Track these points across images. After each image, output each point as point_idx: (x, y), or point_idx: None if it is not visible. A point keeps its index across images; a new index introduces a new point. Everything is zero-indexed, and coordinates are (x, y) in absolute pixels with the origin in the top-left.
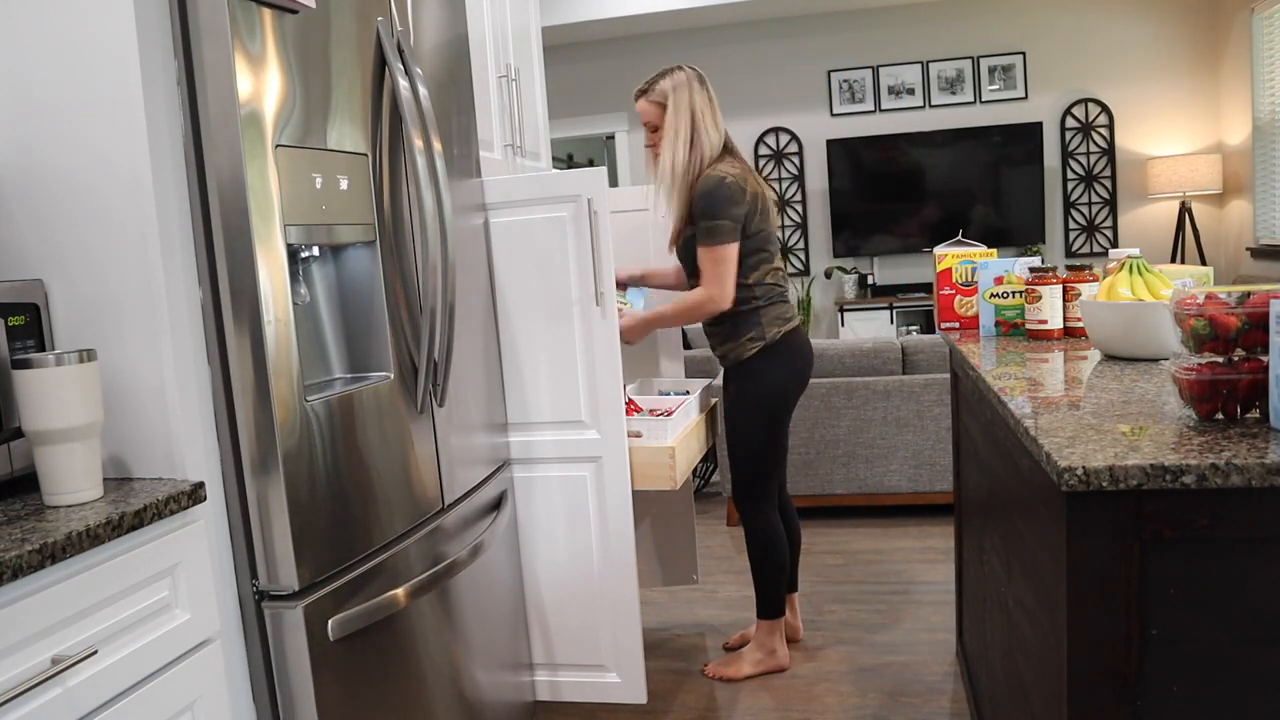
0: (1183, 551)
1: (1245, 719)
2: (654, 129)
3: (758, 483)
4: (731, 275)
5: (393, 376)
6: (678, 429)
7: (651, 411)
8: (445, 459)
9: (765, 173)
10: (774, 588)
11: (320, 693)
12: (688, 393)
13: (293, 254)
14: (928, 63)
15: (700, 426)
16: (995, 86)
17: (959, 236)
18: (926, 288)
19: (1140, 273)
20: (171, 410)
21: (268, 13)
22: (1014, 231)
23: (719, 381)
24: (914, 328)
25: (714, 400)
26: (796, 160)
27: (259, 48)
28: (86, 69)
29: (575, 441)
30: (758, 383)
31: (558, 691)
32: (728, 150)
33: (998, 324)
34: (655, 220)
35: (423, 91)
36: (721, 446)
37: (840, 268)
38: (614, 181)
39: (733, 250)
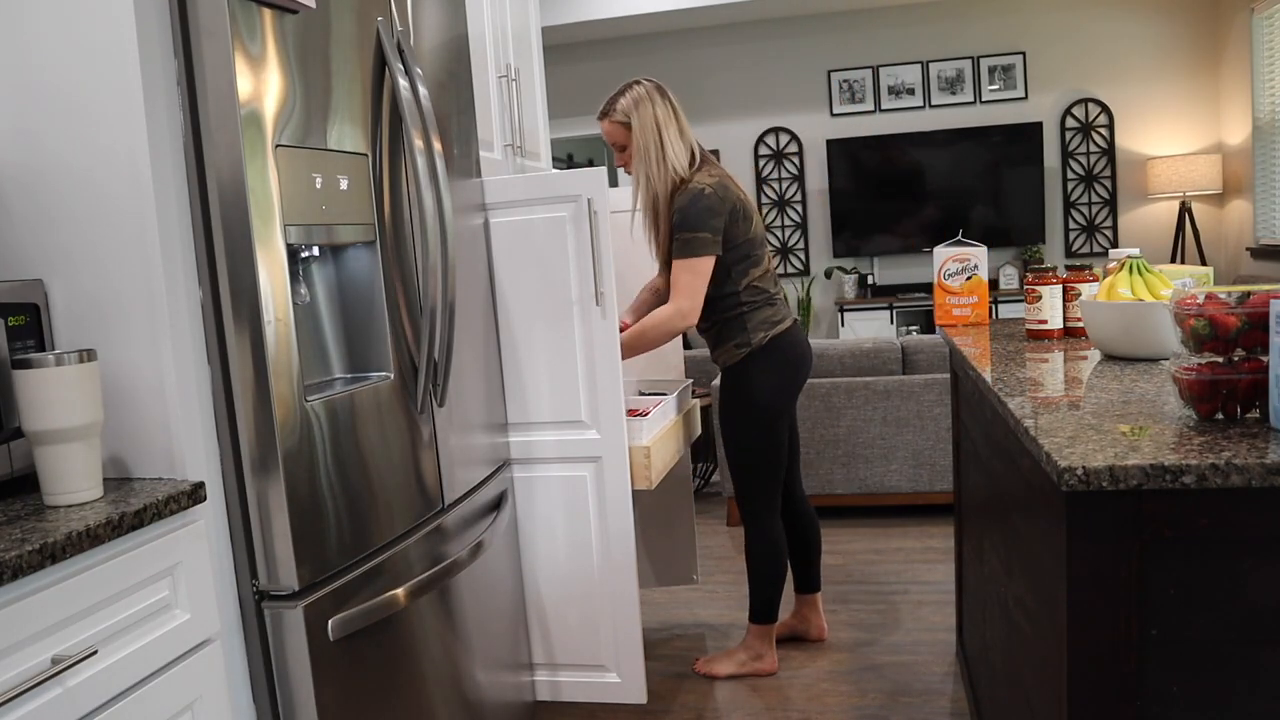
0: (1183, 551)
1: (1245, 719)
2: (621, 149)
3: (755, 488)
4: (703, 289)
5: (393, 376)
6: (654, 429)
7: (630, 412)
8: (445, 459)
9: (765, 173)
10: (768, 593)
11: (320, 693)
12: (664, 394)
13: (293, 254)
14: (928, 63)
15: (678, 427)
16: (995, 86)
17: (959, 236)
18: (926, 288)
19: (1140, 273)
20: (171, 410)
21: (268, 13)
22: (1014, 231)
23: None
24: (914, 328)
25: (695, 401)
26: (796, 160)
27: (259, 48)
28: (86, 69)
29: (575, 441)
30: (745, 389)
31: (558, 691)
32: (699, 157)
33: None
34: (634, 237)
35: (423, 91)
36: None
37: (840, 268)
38: (614, 181)
39: (708, 263)
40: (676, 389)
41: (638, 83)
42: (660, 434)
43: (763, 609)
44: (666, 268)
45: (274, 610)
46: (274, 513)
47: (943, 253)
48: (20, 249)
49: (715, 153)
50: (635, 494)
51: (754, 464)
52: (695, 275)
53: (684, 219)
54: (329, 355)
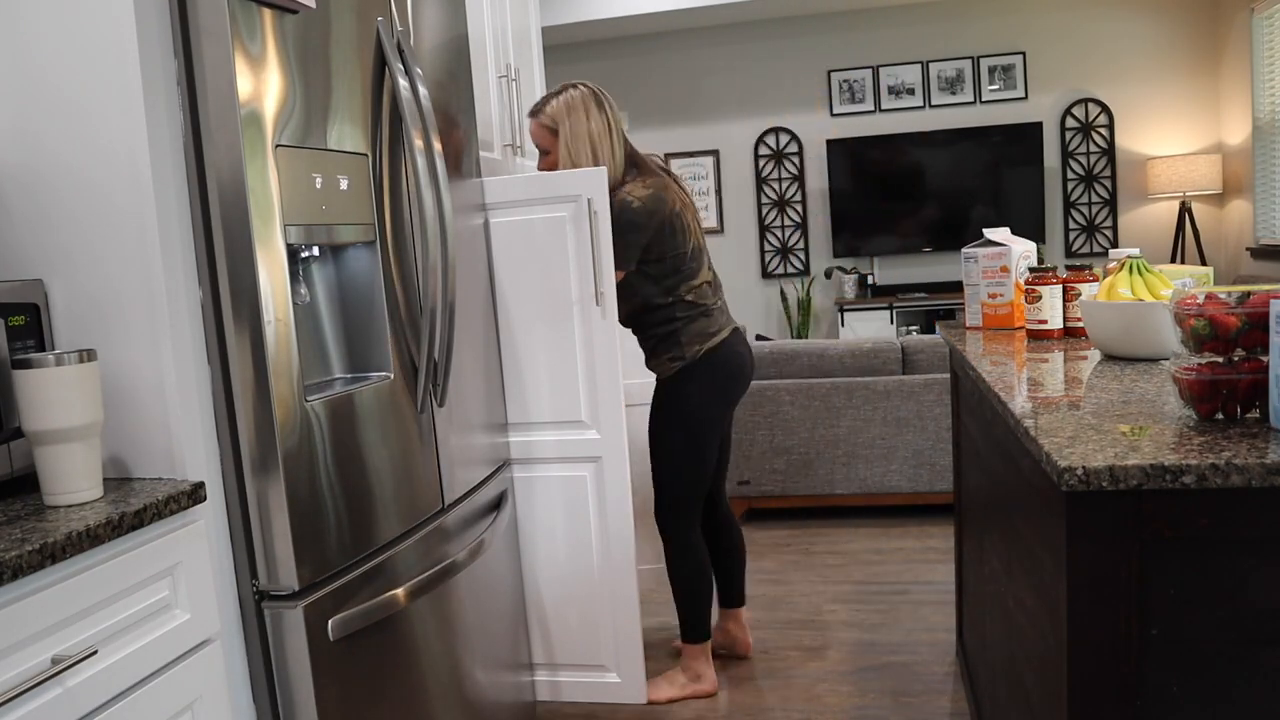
0: (1183, 551)
1: (1245, 719)
2: (544, 152)
3: (678, 503)
4: (617, 297)
5: (393, 376)
6: None
7: None
8: (445, 459)
9: (765, 173)
10: (697, 609)
11: (320, 693)
12: None
13: (293, 254)
14: (928, 63)
15: None
16: (995, 86)
17: (984, 237)
18: (926, 288)
19: (1140, 273)
20: (171, 410)
21: (268, 13)
22: (1014, 231)
23: None
24: (914, 328)
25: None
26: (796, 160)
27: (259, 48)
28: (86, 69)
29: (575, 441)
30: (677, 403)
31: (558, 692)
32: (635, 164)
33: None
34: None
35: (423, 91)
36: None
37: (840, 268)
38: None
39: (620, 275)
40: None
41: (574, 86)
42: None
43: (694, 627)
44: None
45: (274, 610)
46: (274, 513)
47: (1016, 249)
48: (20, 249)
49: (715, 153)
50: (638, 494)
51: (678, 478)
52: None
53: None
54: (329, 355)
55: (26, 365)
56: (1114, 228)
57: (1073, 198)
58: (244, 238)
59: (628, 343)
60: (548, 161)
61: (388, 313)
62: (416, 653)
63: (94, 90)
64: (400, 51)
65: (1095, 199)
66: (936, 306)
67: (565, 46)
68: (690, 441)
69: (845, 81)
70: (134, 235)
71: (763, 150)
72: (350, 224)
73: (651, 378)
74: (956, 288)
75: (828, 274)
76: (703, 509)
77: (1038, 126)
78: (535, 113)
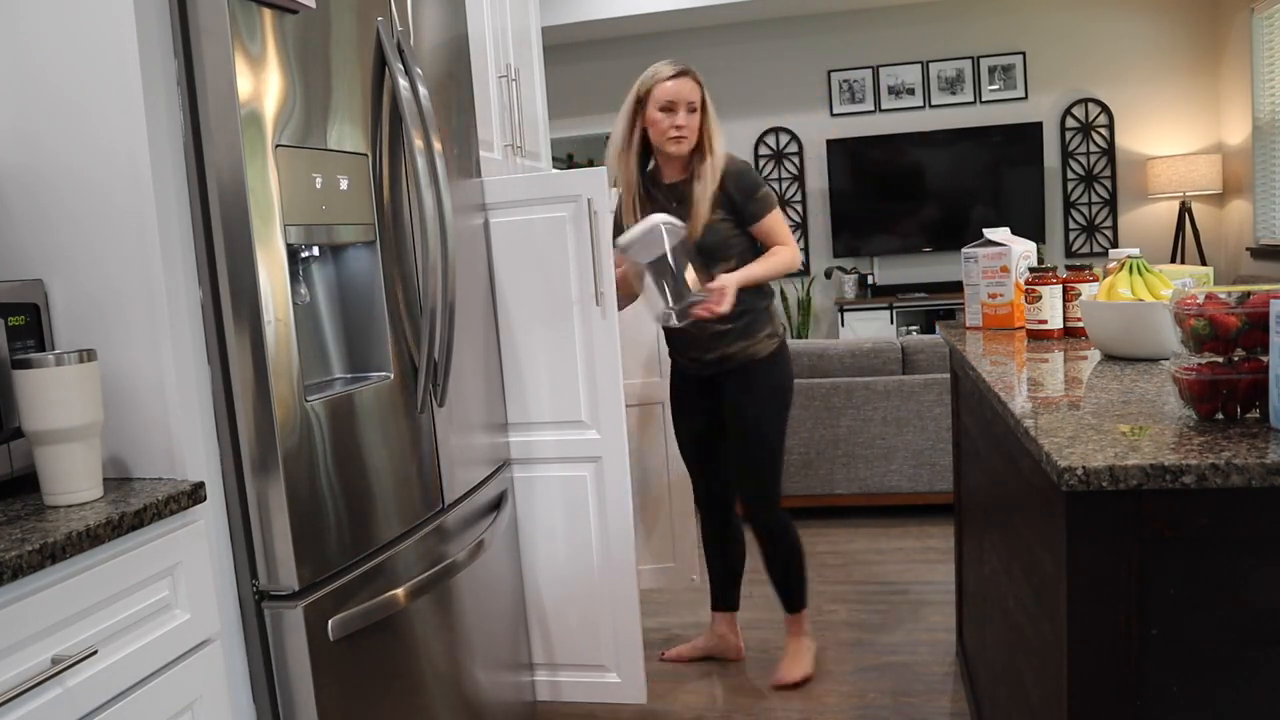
0: (1183, 551)
1: (1245, 719)
2: (693, 110)
3: (778, 476)
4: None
5: (393, 376)
6: None
7: None
8: (445, 459)
9: (765, 173)
10: (804, 575)
11: (320, 693)
12: None
13: (293, 254)
14: (928, 63)
15: None
16: (995, 86)
17: (984, 237)
18: (926, 288)
19: (1140, 273)
20: (171, 410)
21: (268, 13)
22: (1014, 231)
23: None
24: (914, 328)
25: None
26: (796, 160)
27: (259, 48)
28: (86, 69)
29: (575, 441)
30: (782, 381)
31: (558, 692)
32: None
33: None
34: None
35: (423, 91)
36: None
37: (840, 268)
38: (614, 182)
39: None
40: None
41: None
42: None
43: (804, 594)
44: (705, 235)
45: (274, 610)
46: (274, 513)
47: (1016, 249)
48: (20, 249)
49: None
50: (638, 494)
51: (779, 458)
52: (785, 223)
53: (753, 180)
54: (329, 355)
55: (26, 365)
56: (1114, 228)
57: (1073, 198)
58: (244, 238)
59: (628, 343)
60: (694, 120)
61: (388, 313)
62: (416, 653)
63: (94, 90)
64: (400, 51)
65: (1095, 199)
66: (936, 306)
67: (565, 46)
68: (786, 415)
69: (845, 81)
70: (134, 235)
71: (763, 150)
72: (350, 224)
73: (652, 378)
74: (956, 288)
75: (828, 274)
76: (721, 509)
77: (1038, 126)
78: (688, 71)
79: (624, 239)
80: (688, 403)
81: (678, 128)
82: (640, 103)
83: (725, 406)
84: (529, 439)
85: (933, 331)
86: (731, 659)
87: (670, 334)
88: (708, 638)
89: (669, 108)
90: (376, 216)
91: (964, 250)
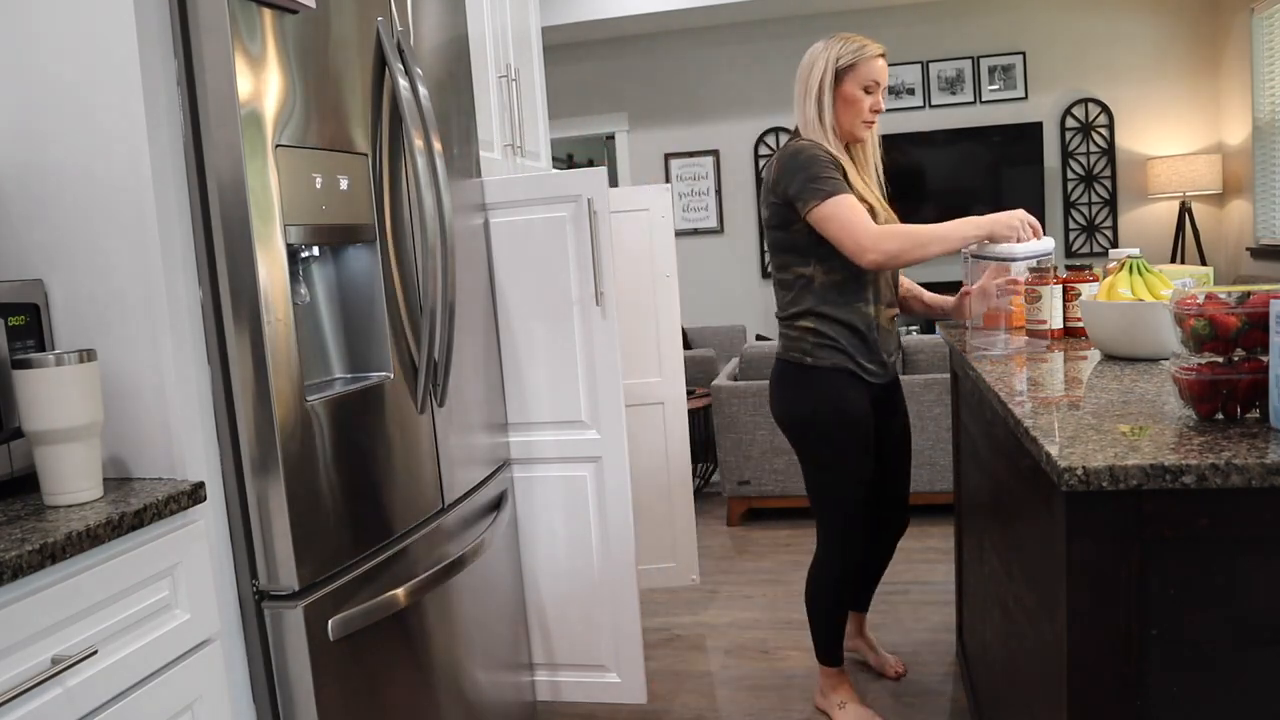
0: (1183, 551)
1: (1245, 719)
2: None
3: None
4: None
5: (393, 376)
6: None
7: None
8: (445, 459)
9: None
10: None
11: (320, 693)
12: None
13: (293, 254)
14: (928, 63)
15: None
16: (995, 86)
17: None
18: (927, 288)
19: (1140, 273)
20: (171, 410)
21: (268, 13)
22: None
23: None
24: (914, 328)
25: None
26: None
27: (259, 47)
28: (87, 69)
29: (575, 441)
30: None
31: (558, 692)
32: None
33: None
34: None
35: (423, 91)
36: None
37: None
38: (614, 181)
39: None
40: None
41: None
42: None
43: (818, 645)
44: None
45: (274, 610)
46: (274, 513)
47: (1018, 249)
48: (20, 249)
49: (715, 153)
50: (639, 494)
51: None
52: None
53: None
54: (329, 355)
55: (26, 365)
56: (1114, 228)
57: (1073, 198)
58: (244, 238)
59: (628, 343)
60: (881, 100)
61: (388, 313)
62: (416, 653)
63: (94, 90)
64: (400, 51)
65: (1095, 199)
66: None
67: (565, 46)
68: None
69: None
70: (134, 235)
71: (763, 150)
72: (350, 224)
73: (653, 378)
74: (956, 288)
75: None
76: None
77: (1038, 126)
78: (884, 53)
79: (1025, 248)
80: (866, 421)
81: (876, 111)
82: (838, 76)
83: (896, 415)
84: (529, 439)
85: (933, 331)
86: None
87: (881, 338)
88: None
89: (873, 88)
90: (376, 216)
91: (964, 250)
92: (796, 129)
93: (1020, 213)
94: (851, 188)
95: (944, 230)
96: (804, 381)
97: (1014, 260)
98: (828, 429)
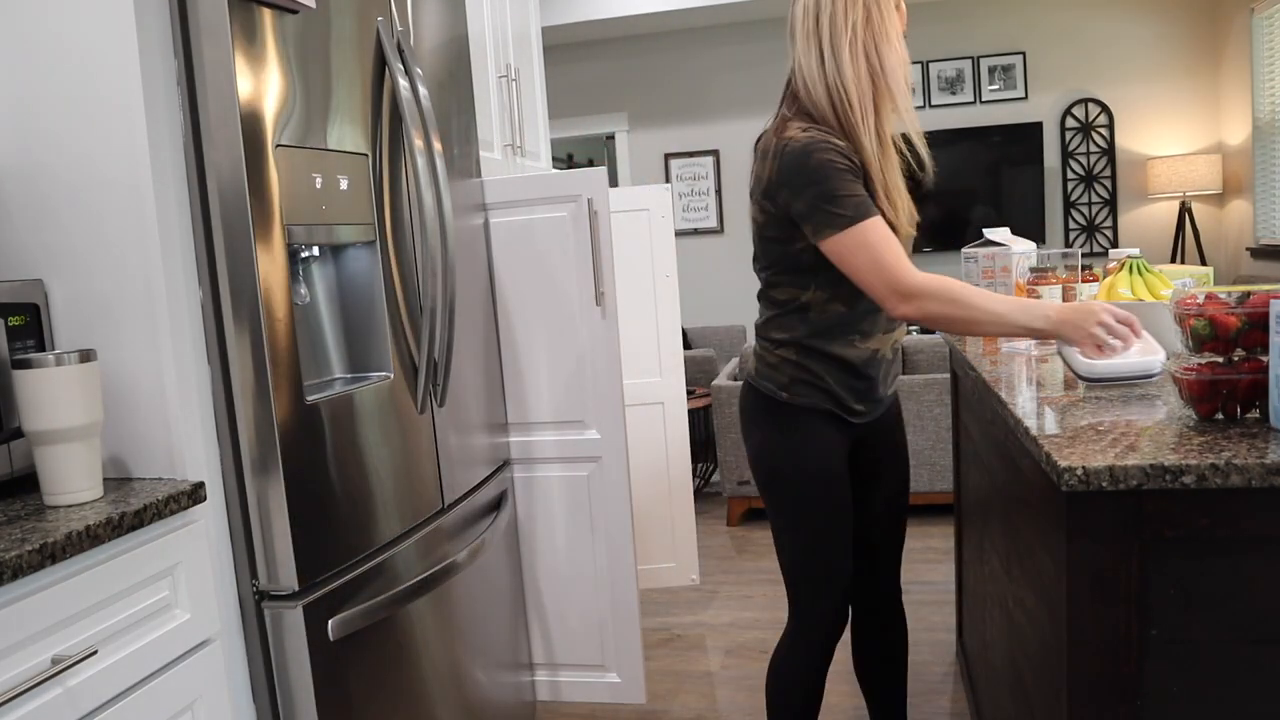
0: (1183, 551)
1: (1245, 719)
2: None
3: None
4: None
5: (393, 376)
6: None
7: None
8: (445, 459)
9: None
10: None
11: (320, 693)
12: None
13: (293, 254)
14: (928, 63)
15: None
16: (995, 86)
17: (984, 237)
18: None
19: (1140, 273)
20: (171, 410)
21: (268, 13)
22: (1014, 231)
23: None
24: (914, 328)
25: None
26: None
27: (259, 48)
28: (86, 69)
29: (575, 441)
30: None
31: (558, 692)
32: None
33: None
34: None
35: (423, 91)
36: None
37: None
38: (614, 181)
39: None
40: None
41: None
42: None
43: None
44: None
45: (274, 610)
46: (274, 513)
47: (1016, 249)
48: (20, 249)
49: (715, 153)
50: (639, 495)
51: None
52: None
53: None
54: (329, 355)
55: (26, 365)
56: (1114, 228)
57: (1073, 198)
58: (244, 238)
59: (628, 343)
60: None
61: (388, 313)
62: (416, 653)
63: (94, 90)
64: (400, 51)
65: (1095, 199)
66: None
67: (565, 46)
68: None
69: None
70: (134, 235)
71: None
72: (350, 224)
73: (653, 379)
74: None
75: None
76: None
77: (1038, 126)
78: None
79: (1108, 366)
80: (843, 474)
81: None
82: None
83: (882, 455)
84: (529, 439)
85: (932, 332)
86: None
87: (881, 371)
88: None
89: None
90: (376, 216)
91: (964, 250)
92: (786, 114)
93: (1100, 313)
94: (875, 196)
95: (1004, 312)
96: (773, 421)
97: (1095, 380)
98: (796, 481)
